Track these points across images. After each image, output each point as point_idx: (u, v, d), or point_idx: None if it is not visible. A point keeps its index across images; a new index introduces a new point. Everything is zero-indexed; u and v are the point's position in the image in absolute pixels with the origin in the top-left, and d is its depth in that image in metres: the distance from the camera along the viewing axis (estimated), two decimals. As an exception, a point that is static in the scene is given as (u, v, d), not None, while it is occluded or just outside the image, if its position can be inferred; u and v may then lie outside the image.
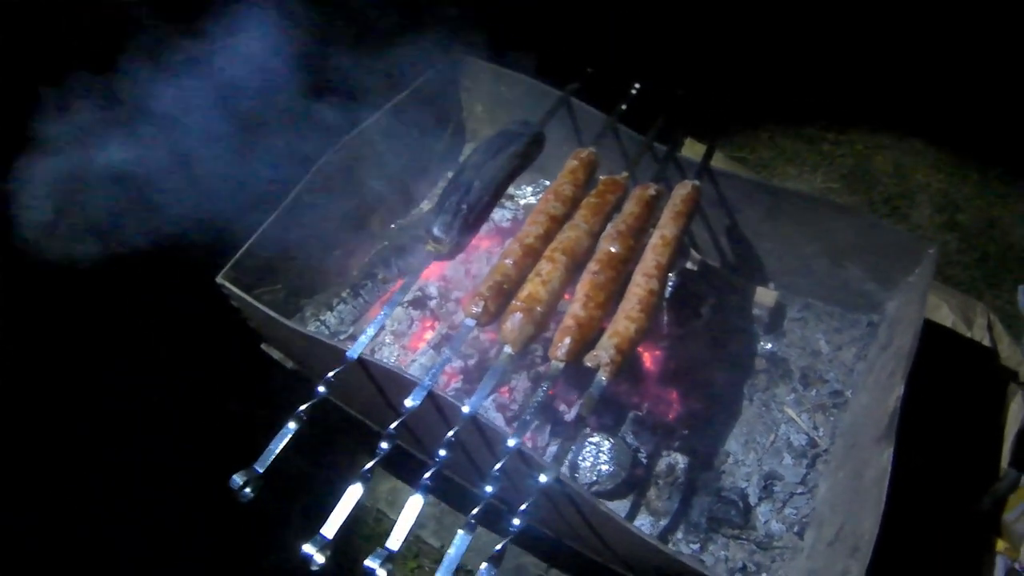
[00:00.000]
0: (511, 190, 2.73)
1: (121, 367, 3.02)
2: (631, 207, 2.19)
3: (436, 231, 2.11)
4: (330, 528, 1.65)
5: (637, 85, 2.61)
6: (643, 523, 2.33)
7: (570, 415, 2.43)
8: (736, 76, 4.45)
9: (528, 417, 1.85)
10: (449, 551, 1.60)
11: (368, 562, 1.58)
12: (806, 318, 2.80)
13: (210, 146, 2.67)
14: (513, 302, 1.96)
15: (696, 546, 2.29)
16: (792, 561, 2.28)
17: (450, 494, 2.57)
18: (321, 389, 1.88)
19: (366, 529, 2.79)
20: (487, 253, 2.77)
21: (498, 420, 2.38)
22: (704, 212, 2.68)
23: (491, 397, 2.41)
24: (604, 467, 2.31)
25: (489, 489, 1.71)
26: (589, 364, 1.91)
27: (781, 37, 4.67)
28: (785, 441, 2.50)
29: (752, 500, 2.38)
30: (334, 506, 1.67)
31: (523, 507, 1.68)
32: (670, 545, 2.28)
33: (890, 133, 4.40)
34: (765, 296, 2.75)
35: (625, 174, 2.33)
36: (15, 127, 2.51)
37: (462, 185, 2.18)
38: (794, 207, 2.58)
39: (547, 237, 2.11)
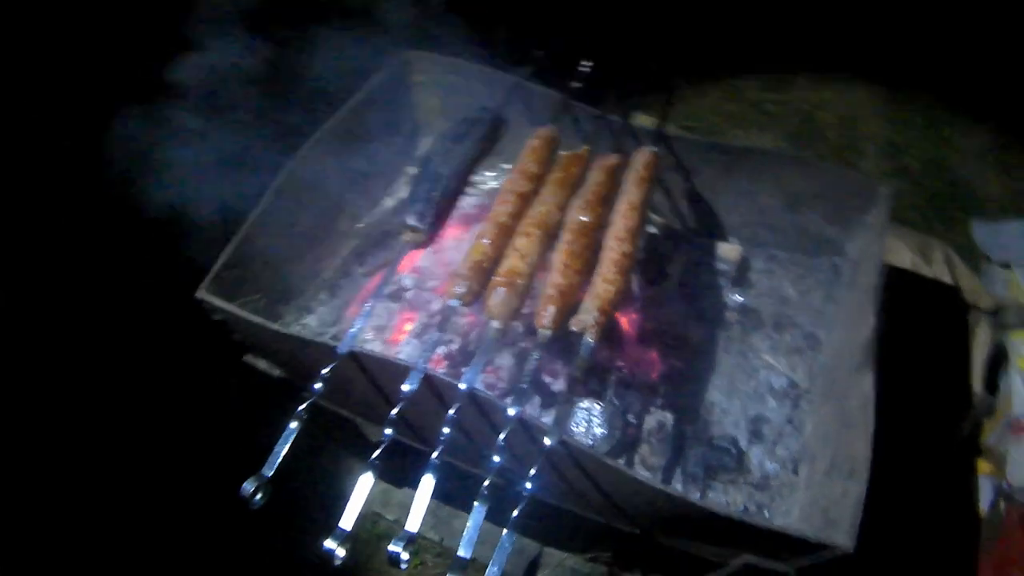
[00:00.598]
0: (472, 177, 2.86)
1: (104, 392, 3.12)
2: (595, 177, 2.33)
3: (411, 220, 2.24)
4: (348, 520, 1.74)
5: (587, 62, 2.76)
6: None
7: (557, 385, 2.57)
8: (676, 45, 4.63)
9: (525, 386, 1.98)
10: (468, 523, 1.71)
11: (392, 546, 1.67)
12: (771, 268, 2.97)
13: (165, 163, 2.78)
14: (494, 278, 2.07)
15: (697, 495, 2.43)
16: (791, 496, 2.44)
17: (443, 489, 2.69)
18: (318, 386, 1.97)
19: (363, 533, 2.91)
20: (456, 241, 2.89)
21: (488, 399, 2.51)
22: (663, 177, 2.83)
23: (480, 377, 2.52)
24: (598, 430, 2.45)
25: (496, 459, 1.82)
26: (575, 328, 2.04)
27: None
28: (767, 386, 2.67)
29: (743, 445, 2.54)
30: (335, 505, 1.76)
31: (532, 472, 1.79)
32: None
33: (831, 88, 4.61)
34: (729, 251, 2.91)
35: (585, 147, 2.46)
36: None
37: (430, 174, 2.31)
38: (749, 162, 2.75)
39: (518, 214, 2.23)
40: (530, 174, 2.34)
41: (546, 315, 2.04)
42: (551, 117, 2.61)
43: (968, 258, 3.93)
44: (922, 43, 4.63)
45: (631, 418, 2.54)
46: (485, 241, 2.17)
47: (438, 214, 2.28)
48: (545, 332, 2.04)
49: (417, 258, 2.84)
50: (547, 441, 1.85)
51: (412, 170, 3.11)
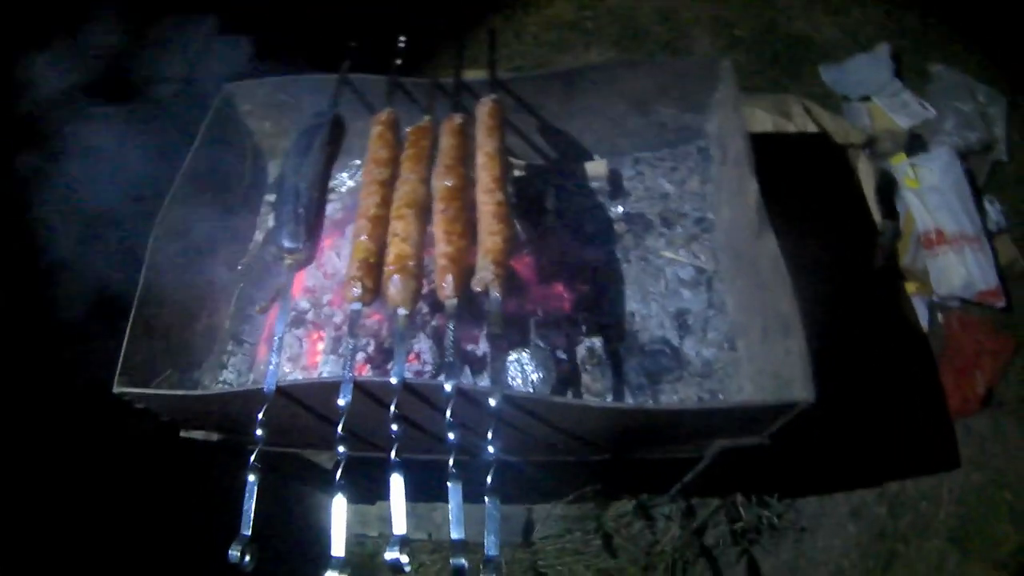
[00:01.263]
0: (330, 182, 2.92)
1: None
2: (447, 141, 2.41)
3: (287, 243, 2.26)
4: (338, 547, 1.82)
5: (403, 38, 2.84)
6: (592, 406, 2.59)
7: (481, 349, 2.67)
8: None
9: (451, 359, 2.06)
10: (450, 503, 1.81)
11: (387, 553, 1.77)
12: (641, 171, 3.11)
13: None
14: (386, 268, 2.15)
15: (649, 402, 2.57)
16: (739, 372, 2.60)
17: (412, 489, 2.77)
18: (259, 432, 2.03)
19: (352, 558, 2.93)
20: (334, 250, 2.95)
21: (423, 385, 2.59)
22: (510, 120, 2.91)
23: (406, 368, 2.61)
24: (534, 376, 2.53)
25: (452, 436, 1.91)
26: (478, 288, 2.13)
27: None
28: (676, 280, 2.81)
29: (675, 341, 2.68)
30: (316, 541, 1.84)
31: (489, 435, 1.88)
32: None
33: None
34: (597, 168, 3.04)
35: (427, 118, 2.55)
36: None
37: (290, 193, 2.35)
38: (585, 81, 2.88)
39: (386, 202, 2.31)
40: (383, 160, 2.42)
41: (447, 285, 2.13)
42: (385, 101, 2.68)
43: (828, 103, 4.16)
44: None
45: (561, 354, 2.64)
46: (363, 238, 2.23)
47: (310, 229, 2.31)
48: (452, 302, 2.14)
49: (304, 279, 2.89)
50: (492, 402, 1.94)
51: (270, 197, 3.16)
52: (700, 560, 3.28)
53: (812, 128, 3.89)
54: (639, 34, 4.56)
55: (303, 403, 2.24)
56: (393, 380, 2.01)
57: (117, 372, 2.36)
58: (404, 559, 1.77)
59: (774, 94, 4.00)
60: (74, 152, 2.93)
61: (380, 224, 2.27)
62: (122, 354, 2.40)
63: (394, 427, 1.97)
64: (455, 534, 1.78)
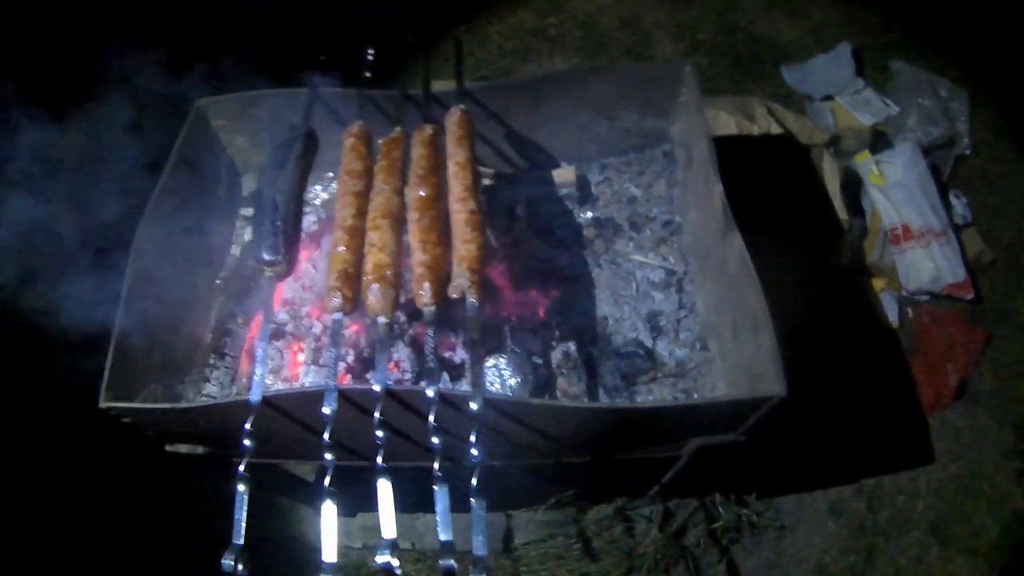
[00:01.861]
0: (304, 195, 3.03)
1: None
2: (418, 151, 2.53)
3: (267, 256, 2.37)
4: (329, 553, 1.90)
5: (371, 50, 2.97)
6: (570, 411, 2.72)
7: (458, 356, 2.81)
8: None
9: (431, 365, 2.17)
10: (436, 507, 1.91)
11: (379, 557, 1.85)
12: (608, 177, 3.26)
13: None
14: (364, 278, 2.26)
15: (624, 402, 2.68)
16: (711, 371, 2.73)
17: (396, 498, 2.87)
18: (247, 443, 2.11)
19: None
20: (310, 262, 3.08)
21: (402, 393, 2.71)
22: (478, 130, 3.03)
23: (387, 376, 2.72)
24: (512, 381, 2.66)
25: (436, 441, 2.01)
26: (455, 295, 2.24)
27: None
28: (647, 283, 2.94)
29: (648, 343, 2.81)
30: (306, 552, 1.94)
31: (472, 439, 1.99)
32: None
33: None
34: (565, 175, 3.17)
35: (398, 129, 2.67)
36: None
37: (267, 207, 2.47)
38: (551, 88, 3.02)
39: (361, 213, 2.42)
40: (357, 171, 2.53)
41: (424, 293, 2.23)
42: (356, 113, 2.80)
43: (791, 103, 4.31)
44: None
45: (537, 359, 2.77)
46: (341, 248, 2.34)
47: (288, 241, 2.42)
48: (430, 309, 2.26)
49: (282, 292, 3.01)
50: (473, 406, 2.05)
51: (246, 211, 3.27)
52: (681, 561, 3.39)
53: (776, 129, 4.02)
54: (602, 40, 4.70)
55: (288, 413, 2.34)
56: (376, 387, 2.11)
57: (103, 387, 2.45)
58: (395, 562, 1.86)
59: (737, 96, 4.13)
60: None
61: (357, 235, 2.38)
62: (107, 369, 2.48)
63: (379, 433, 2.06)
64: (444, 535, 1.89)
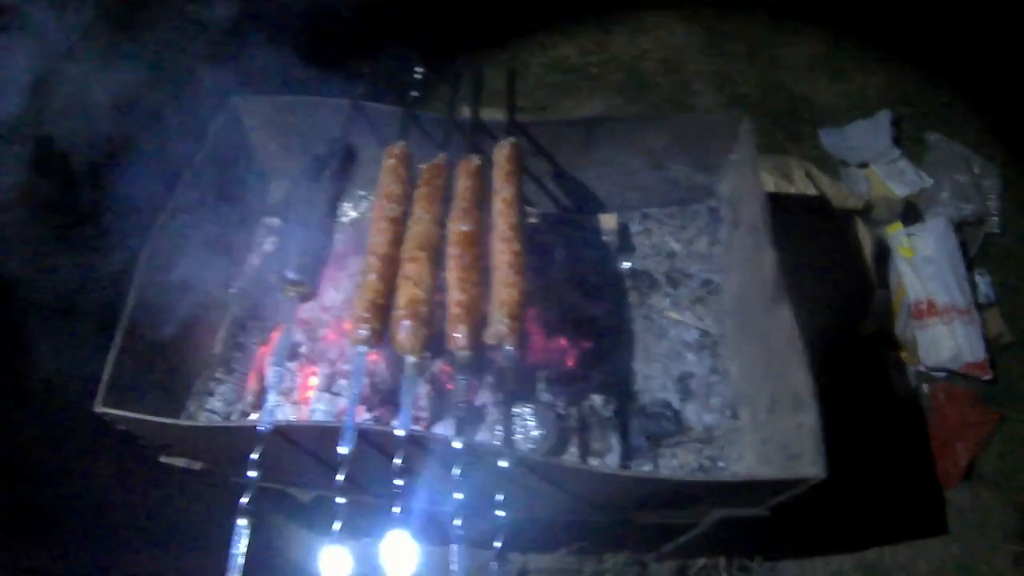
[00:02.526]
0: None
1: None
2: (463, 183, 2.34)
3: (292, 275, 2.16)
4: None
5: (420, 69, 2.78)
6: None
7: (479, 400, 2.59)
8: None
9: (462, 414, 2.00)
10: (453, 566, 1.75)
11: None
12: (649, 227, 3.07)
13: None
14: (395, 312, 2.06)
15: (648, 466, 2.50)
16: (739, 440, 2.55)
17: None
18: (252, 474, 1.94)
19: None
20: (331, 283, 2.86)
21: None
22: (526, 165, 2.87)
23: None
24: (535, 433, 2.47)
25: (459, 496, 1.84)
26: (491, 342, 2.05)
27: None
28: (680, 342, 2.76)
29: (676, 405, 2.62)
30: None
31: (499, 497, 1.83)
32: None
33: (649, 35, 4.76)
34: (606, 221, 2.98)
35: (442, 155, 2.47)
36: None
37: (297, 223, 2.28)
38: (605, 132, 2.81)
39: (397, 240, 2.22)
40: (395, 196, 2.33)
41: (459, 336, 2.04)
42: (398, 133, 2.61)
43: (826, 167, 4.15)
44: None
45: (562, 411, 2.59)
46: (372, 277, 2.14)
47: (315, 262, 2.23)
48: (464, 354, 2.05)
49: (300, 310, 2.80)
50: (503, 463, 1.88)
51: (269, 220, 3.06)
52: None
53: (812, 191, 3.87)
54: (643, 84, 4.53)
55: (299, 444, 2.16)
56: (399, 432, 1.93)
57: (101, 391, 2.26)
58: None
59: (776, 155, 3.98)
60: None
61: (390, 264, 2.18)
62: (107, 372, 2.30)
63: (398, 481, 1.89)
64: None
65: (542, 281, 2.81)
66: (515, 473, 1.94)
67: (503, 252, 2.21)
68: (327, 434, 2.01)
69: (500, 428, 2.02)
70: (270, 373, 2.11)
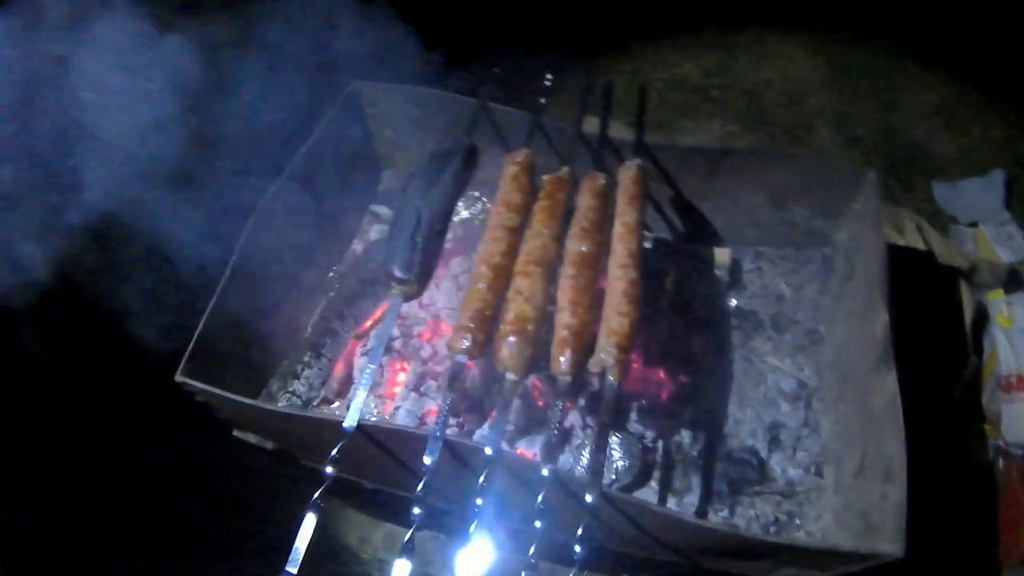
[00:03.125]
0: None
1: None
2: (586, 201, 2.22)
3: (398, 272, 2.06)
4: None
5: (550, 76, 2.65)
6: (669, 505, 2.39)
7: (568, 421, 2.47)
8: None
9: (554, 440, 1.89)
10: None
11: None
12: (761, 266, 2.89)
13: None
14: (502, 327, 1.95)
15: (724, 512, 2.37)
16: (820, 500, 2.38)
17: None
18: (329, 470, 1.85)
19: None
20: (435, 279, 2.76)
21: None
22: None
23: (487, 423, 2.43)
24: (619, 463, 2.36)
25: (538, 525, 1.74)
26: (595, 370, 1.94)
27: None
28: (776, 389, 2.60)
29: (763, 454, 2.47)
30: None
31: (580, 532, 1.72)
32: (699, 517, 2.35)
33: (774, 65, 4.57)
34: (719, 255, 2.83)
35: (565, 169, 2.34)
36: None
37: (410, 219, 2.13)
38: (731, 163, 2.65)
39: (511, 252, 2.11)
40: (515, 205, 2.22)
41: (563, 361, 1.93)
42: (523, 139, 2.49)
43: (935, 221, 3.94)
44: (859, 7, 4.63)
45: (649, 443, 2.47)
46: (481, 286, 2.04)
47: (425, 260, 2.11)
48: (566, 379, 1.94)
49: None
50: (588, 498, 1.77)
51: (377, 208, 2.97)
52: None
53: (921, 246, 3.68)
54: (763, 114, 4.33)
55: (383, 446, 2.06)
56: (488, 450, 1.83)
57: (184, 359, 2.21)
58: None
59: (890, 206, 3.78)
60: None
61: (502, 275, 2.08)
62: (193, 341, 2.24)
63: (479, 501, 1.77)
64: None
65: (649, 310, 2.66)
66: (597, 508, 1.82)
67: (619, 279, 2.08)
68: (412, 441, 1.93)
69: (588, 457, 1.88)
70: (364, 371, 1.99)
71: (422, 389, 2.49)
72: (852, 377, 2.42)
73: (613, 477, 2.36)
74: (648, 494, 2.42)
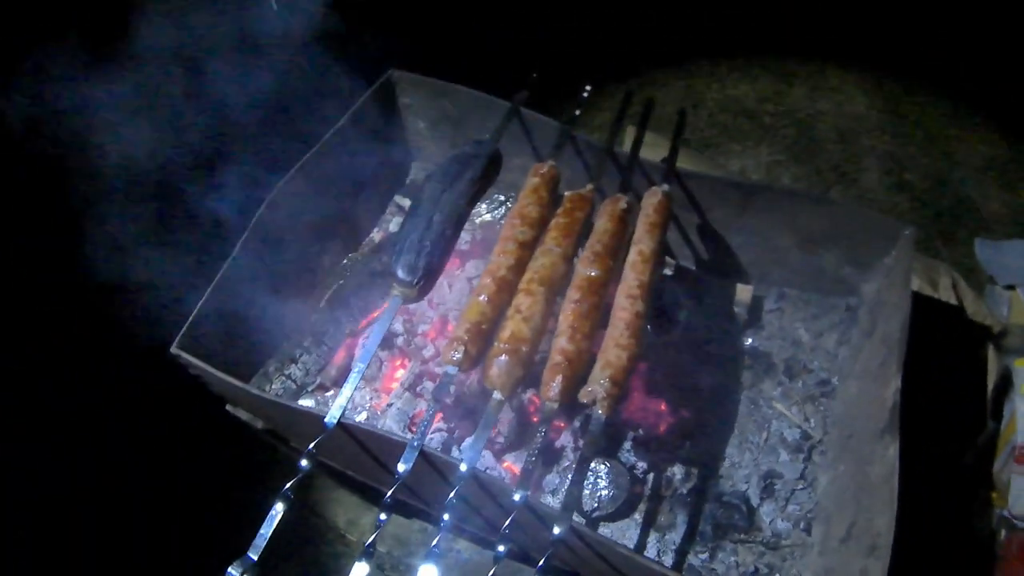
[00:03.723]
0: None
1: (71, 441, 2.88)
2: (604, 224, 2.10)
3: (401, 274, 1.96)
4: None
5: (588, 87, 2.52)
6: (650, 540, 2.28)
7: (560, 441, 2.36)
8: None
9: (530, 467, 1.77)
10: None
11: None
12: (782, 308, 2.74)
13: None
14: (496, 344, 1.86)
15: (705, 556, 2.25)
16: (803, 558, 2.24)
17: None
18: (304, 463, 1.77)
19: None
20: (446, 278, 2.65)
21: (487, 456, 2.29)
22: (675, 214, 2.59)
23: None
24: (603, 492, 2.24)
25: (501, 549, 1.64)
26: (584, 400, 1.84)
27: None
28: (778, 437, 2.46)
29: (754, 501, 2.34)
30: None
31: (540, 563, 1.62)
32: (678, 559, 2.24)
33: (830, 99, 4.40)
34: (741, 292, 2.68)
35: (590, 186, 2.23)
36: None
37: (421, 220, 2.03)
38: (765, 200, 2.51)
39: (519, 266, 2.01)
40: (531, 218, 2.11)
41: (553, 387, 1.83)
42: (550, 149, 2.37)
43: (971, 278, 3.76)
44: (923, 52, 4.45)
45: (639, 474, 2.35)
46: (483, 299, 1.95)
47: (430, 265, 1.99)
48: (551, 406, 1.83)
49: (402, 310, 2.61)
50: (556, 530, 1.67)
51: (401, 200, 2.87)
52: None
53: (953, 302, 3.50)
54: (813, 145, 4.15)
55: (362, 445, 1.99)
56: (463, 467, 1.74)
57: (180, 333, 2.16)
58: None
59: (927, 258, 3.60)
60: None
61: (505, 290, 1.98)
62: (192, 316, 2.18)
63: (446, 516, 1.69)
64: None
65: (659, 340, 2.54)
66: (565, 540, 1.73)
67: (624, 309, 1.96)
68: (390, 446, 1.85)
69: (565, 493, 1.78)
70: (354, 369, 1.90)
71: (418, 389, 2.41)
72: (856, 437, 2.28)
73: (595, 505, 2.25)
74: (630, 526, 2.32)
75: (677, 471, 2.36)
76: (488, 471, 2.18)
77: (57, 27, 2.53)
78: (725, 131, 4.21)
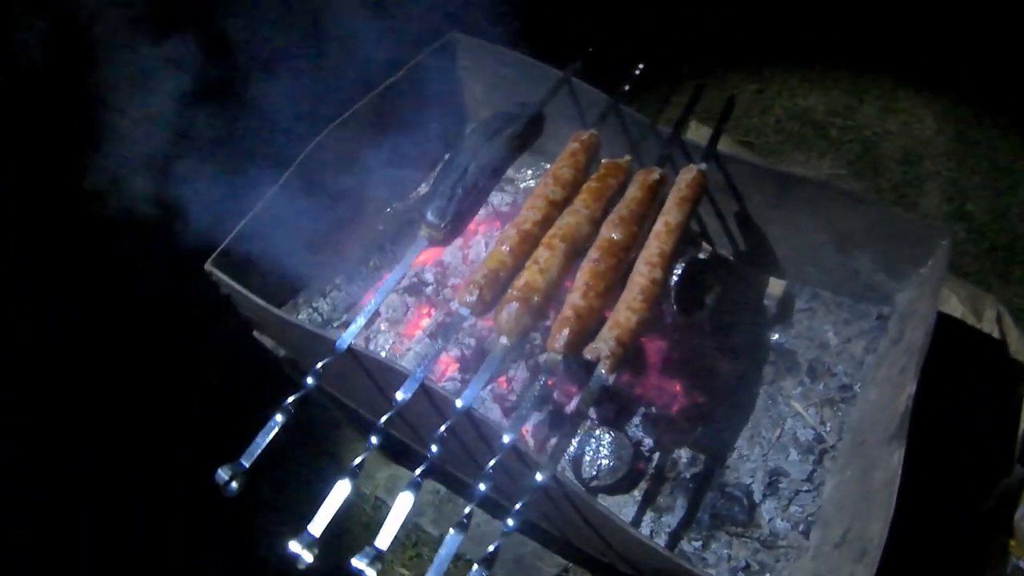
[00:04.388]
0: (511, 173, 2.60)
1: (102, 351, 2.95)
2: (634, 192, 2.06)
3: (430, 216, 2.00)
4: (317, 526, 1.55)
5: (641, 65, 2.47)
6: (645, 519, 2.23)
7: (570, 406, 2.31)
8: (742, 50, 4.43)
9: (524, 411, 1.76)
10: (440, 550, 1.51)
11: (355, 561, 1.48)
12: (814, 308, 2.65)
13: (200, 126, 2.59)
14: (509, 291, 1.84)
15: (698, 543, 2.18)
16: (796, 561, 2.16)
17: (451, 480, 2.50)
18: (310, 380, 1.79)
19: (363, 516, 2.69)
20: (485, 238, 2.64)
21: (495, 411, 2.27)
22: (712, 198, 2.54)
23: (489, 387, 2.30)
24: (604, 461, 2.20)
25: (482, 487, 1.63)
26: (589, 357, 1.80)
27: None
28: (791, 436, 2.37)
29: (757, 497, 2.26)
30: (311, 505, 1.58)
31: (517, 507, 1.59)
32: (671, 542, 2.18)
33: (898, 119, 4.26)
34: (773, 286, 2.59)
35: (628, 157, 2.20)
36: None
37: (457, 168, 2.07)
38: (803, 193, 2.42)
39: (545, 223, 1.99)
40: (564, 180, 2.09)
41: (559, 339, 1.81)
42: (596, 120, 2.33)
43: (1019, 318, 3.60)
44: (998, 82, 4.28)
45: (644, 451, 2.30)
46: (504, 248, 1.94)
47: (460, 212, 2.03)
48: (554, 358, 1.80)
49: (442, 252, 2.60)
50: (538, 477, 1.65)
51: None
52: None
53: (996, 336, 3.35)
54: (877, 164, 4.03)
55: (368, 373, 1.99)
56: (459, 403, 1.73)
57: (216, 252, 2.20)
58: (371, 573, 1.49)
59: (975, 287, 3.45)
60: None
61: (528, 242, 1.97)
62: (230, 236, 2.21)
63: (434, 448, 1.68)
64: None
65: (684, 320, 2.47)
66: (549, 490, 1.71)
67: (642, 275, 1.93)
68: (393, 375, 1.83)
69: (558, 439, 1.74)
70: (370, 301, 1.90)
71: (440, 337, 2.37)
72: (866, 445, 2.20)
73: (594, 473, 2.21)
74: (628, 502, 2.27)
75: (683, 454, 2.31)
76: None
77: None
78: (790, 139, 4.11)
